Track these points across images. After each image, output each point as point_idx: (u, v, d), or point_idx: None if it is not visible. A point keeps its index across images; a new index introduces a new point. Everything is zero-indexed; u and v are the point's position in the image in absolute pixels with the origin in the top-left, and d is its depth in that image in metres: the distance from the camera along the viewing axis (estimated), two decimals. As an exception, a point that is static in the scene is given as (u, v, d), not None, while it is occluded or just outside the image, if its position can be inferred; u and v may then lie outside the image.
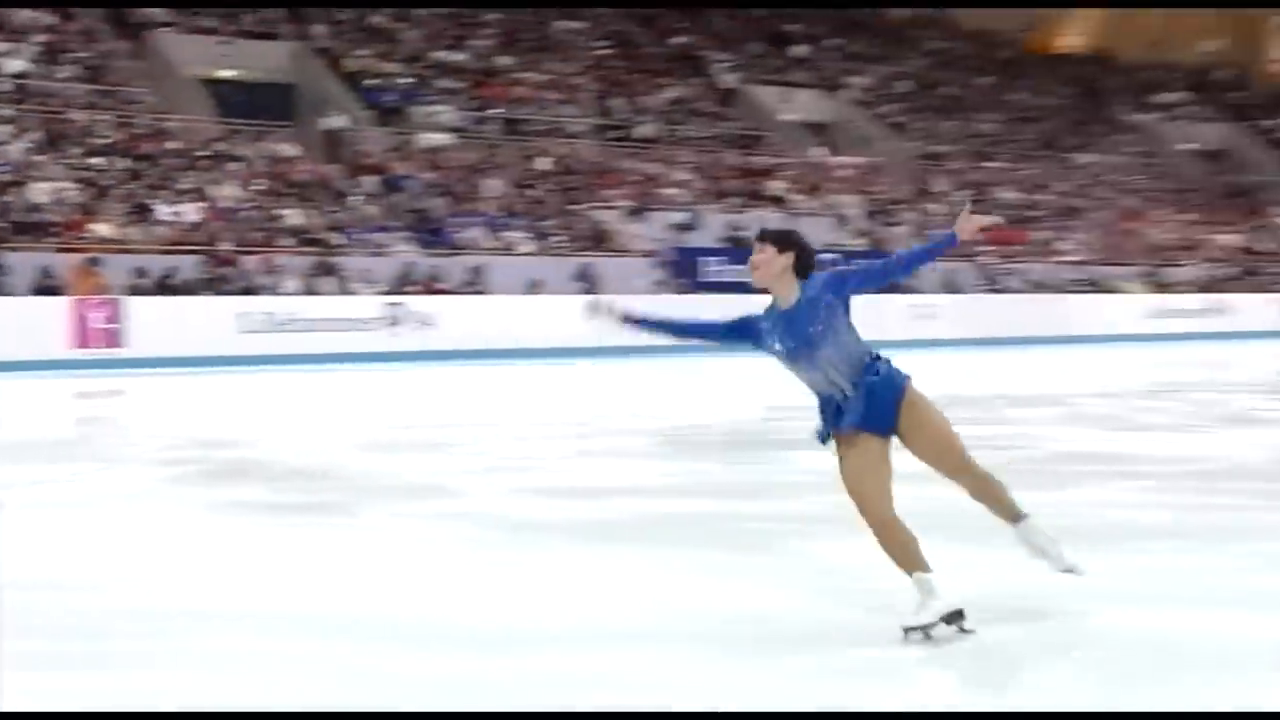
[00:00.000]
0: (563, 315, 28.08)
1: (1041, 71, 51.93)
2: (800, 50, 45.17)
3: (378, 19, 37.90)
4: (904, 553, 5.42)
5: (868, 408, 5.53)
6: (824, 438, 5.71)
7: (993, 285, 35.96)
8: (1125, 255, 40.30)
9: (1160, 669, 5.13)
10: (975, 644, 5.34)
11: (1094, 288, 37.34)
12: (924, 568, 5.39)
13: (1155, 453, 11.58)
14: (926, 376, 20.11)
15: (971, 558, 6.62)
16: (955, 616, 5.35)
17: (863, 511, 5.49)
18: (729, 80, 41.93)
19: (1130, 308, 36.33)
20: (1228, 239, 43.53)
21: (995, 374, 22.95)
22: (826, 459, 11.42)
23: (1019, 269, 36.97)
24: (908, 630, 5.32)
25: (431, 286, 27.98)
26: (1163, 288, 38.60)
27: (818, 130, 42.77)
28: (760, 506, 9.02)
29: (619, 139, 36.98)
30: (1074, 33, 54.63)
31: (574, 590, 6.57)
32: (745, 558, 7.29)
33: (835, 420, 5.61)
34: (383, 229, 29.92)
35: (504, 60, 38.36)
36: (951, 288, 34.85)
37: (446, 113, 34.74)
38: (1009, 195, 41.42)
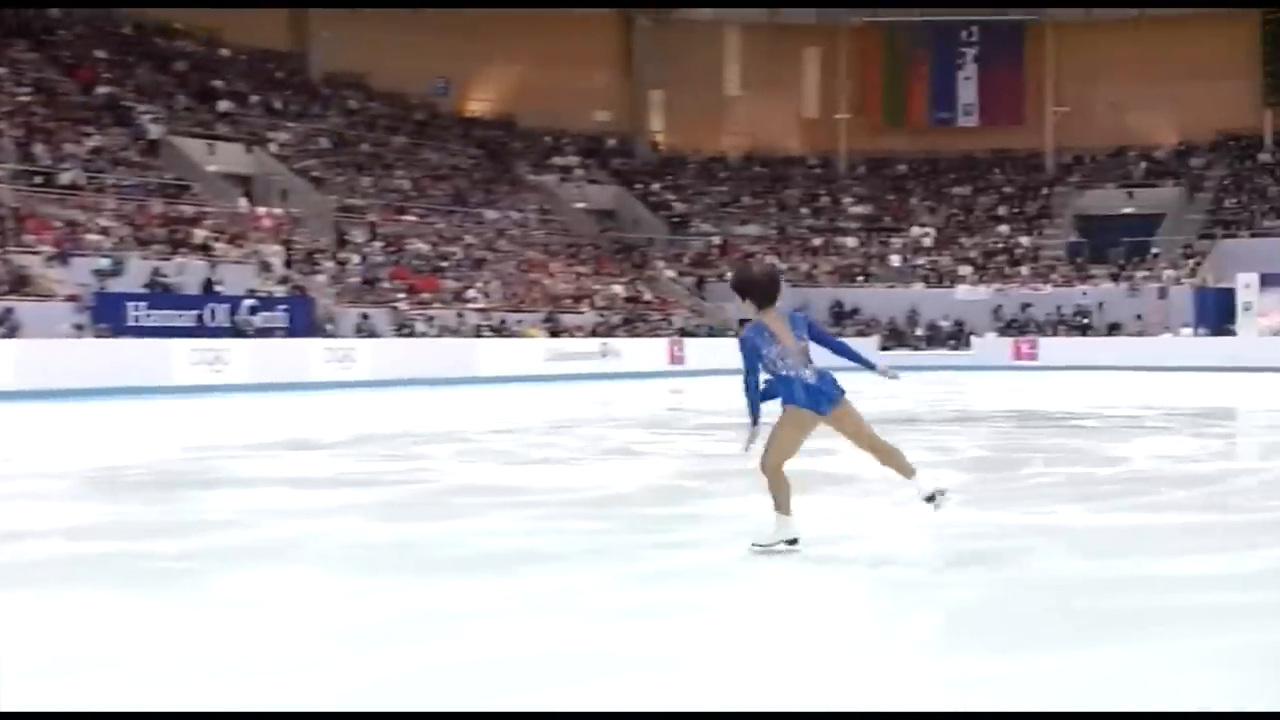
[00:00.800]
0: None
1: (452, 133, 53.15)
2: (225, 105, 44.32)
3: None
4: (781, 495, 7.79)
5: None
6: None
7: (406, 330, 36.44)
8: (527, 303, 41.77)
9: (527, 678, 5.44)
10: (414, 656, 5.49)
11: (499, 333, 38.50)
12: (788, 511, 7.80)
13: (547, 484, 12.08)
14: (343, 416, 20.13)
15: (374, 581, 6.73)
16: (793, 541, 7.79)
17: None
18: (155, 131, 40.55)
19: (531, 351, 37.67)
20: (616, 289, 45.92)
21: (406, 413, 23.25)
22: (243, 498, 11.32)
23: (431, 315, 37.63)
24: (756, 546, 7.82)
25: None
26: (560, 333, 40.27)
27: (241, 182, 42.08)
28: (176, 545, 8.81)
29: (41, 185, 35.04)
30: (482, 98, 56.20)
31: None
32: (160, 595, 7.14)
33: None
34: None
35: (-82, 102, 35.65)
36: (368, 332, 35.06)
37: None
38: (422, 247, 42.14)
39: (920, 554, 8.48)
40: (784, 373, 7.67)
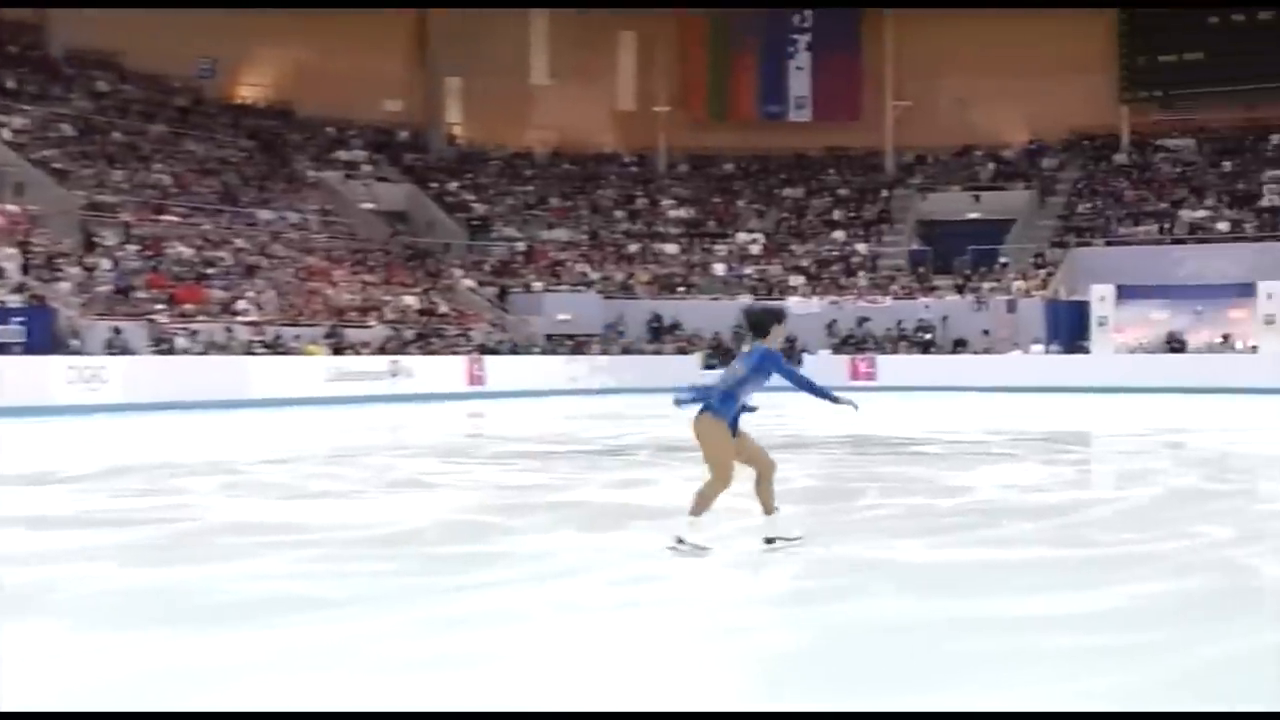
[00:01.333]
0: None
1: (220, 122, 52.34)
2: (-53, 83, 43.10)
3: None
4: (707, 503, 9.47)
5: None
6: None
7: (165, 346, 35.74)
8: (306, 316, 41.30)
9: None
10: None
11: (274, 349, 37.99)
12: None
13: (326, 520, 11.98)
14: (91, 445, 19.64)
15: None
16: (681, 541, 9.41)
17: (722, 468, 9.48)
18: None
19: (311, 370, 37.25)
20: (408, 300, 45.67)
21: (165, 441, 22.84)
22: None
23: (194, 329, 36.97)
24: (679, 540, 9.40)
25: None
26: (344, 350, 39.87)
27: (-33, 174, 40.93)
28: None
29: None
30: (255, 83, 55.45)
31: None
32: None
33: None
34: None
35: None
36: (120, 349, 34.33)
37: None
38: (184, 251, 41.39)
39: (741, 595, 8.61)
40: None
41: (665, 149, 61.15)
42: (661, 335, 48.90)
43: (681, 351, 47.06)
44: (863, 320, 48.74)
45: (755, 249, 54.44)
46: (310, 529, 11.41)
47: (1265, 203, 51.31)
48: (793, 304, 48.84)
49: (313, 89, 53.87)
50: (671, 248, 54.61)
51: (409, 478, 16.00)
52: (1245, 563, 9.60)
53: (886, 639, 7.32)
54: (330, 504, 13.49)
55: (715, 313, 49.03)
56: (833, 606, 8.20)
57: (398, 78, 57.77)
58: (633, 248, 54.48)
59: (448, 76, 58.67)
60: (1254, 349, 43.76)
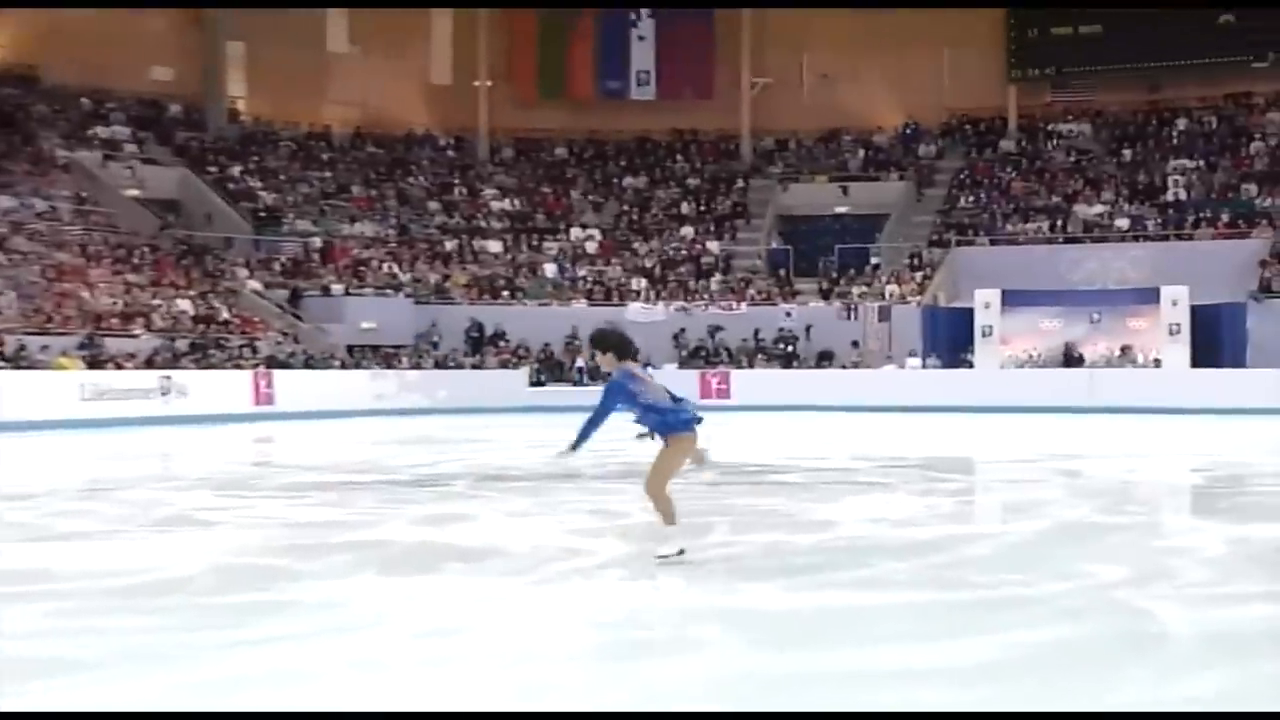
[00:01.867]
0: None
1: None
2: None
3: None
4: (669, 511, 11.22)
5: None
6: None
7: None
8: (57, 323, 40.62)
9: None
10: None
11: (16, 363, 37.32)
12: (675, 522, 11.26)
13: (78, 567, 11.79)
14: None
15: None
16: (681, 551, 11.21)
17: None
18: None
19: (63, 387, 36.62)
20: (182, 305, 45.08)
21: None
22: None
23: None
24: (660, 557, 11.14)
25: None
26: (104, 363, 39.27)
27: None
28: None
29: None
30: (-7, 45, 54.50)
31: None
32: None
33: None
34: None
35: None
36: None
37: None
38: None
39: (569, 648, 8.61)
40: (663, 406, 11.11)
41: (487, 131, 61.16)
42: (482, 346, 48.78)
43: (506, 365, 47.02)
44: (715, 329, 49.04)
45: (591, 247, 54.61)
46: (59, 577, 11.24)
47: (1169, 196, 52.54)
48: (634, 310, 49.07)
49: (63, 52, 52.91)
50: (494, 245, 54.58)
51: (180, 514, 15.80)
52: (1141, 606, 9.79)
53: (735, 696, 7.37)
54: (84, 547, 13.31)
55: (545, 320, 49.11)
56: (673, 659, 8.23)
57: (168, 41, 57.03)
58: (449, 245, 54.38)
59: (229, 41, 58.11)
60: (1157, 362, 44.77)
